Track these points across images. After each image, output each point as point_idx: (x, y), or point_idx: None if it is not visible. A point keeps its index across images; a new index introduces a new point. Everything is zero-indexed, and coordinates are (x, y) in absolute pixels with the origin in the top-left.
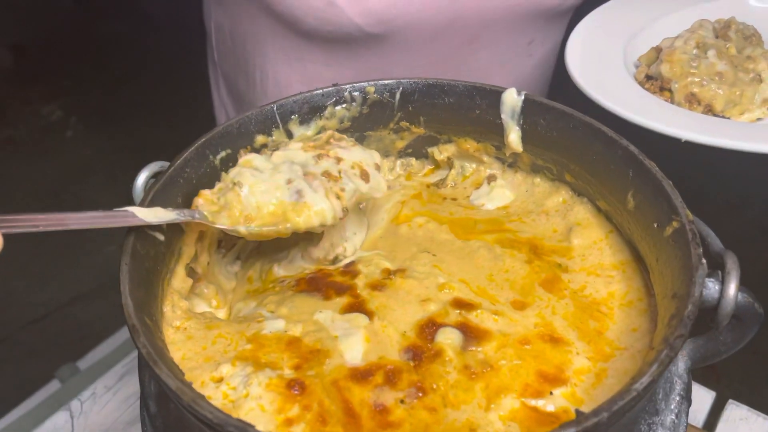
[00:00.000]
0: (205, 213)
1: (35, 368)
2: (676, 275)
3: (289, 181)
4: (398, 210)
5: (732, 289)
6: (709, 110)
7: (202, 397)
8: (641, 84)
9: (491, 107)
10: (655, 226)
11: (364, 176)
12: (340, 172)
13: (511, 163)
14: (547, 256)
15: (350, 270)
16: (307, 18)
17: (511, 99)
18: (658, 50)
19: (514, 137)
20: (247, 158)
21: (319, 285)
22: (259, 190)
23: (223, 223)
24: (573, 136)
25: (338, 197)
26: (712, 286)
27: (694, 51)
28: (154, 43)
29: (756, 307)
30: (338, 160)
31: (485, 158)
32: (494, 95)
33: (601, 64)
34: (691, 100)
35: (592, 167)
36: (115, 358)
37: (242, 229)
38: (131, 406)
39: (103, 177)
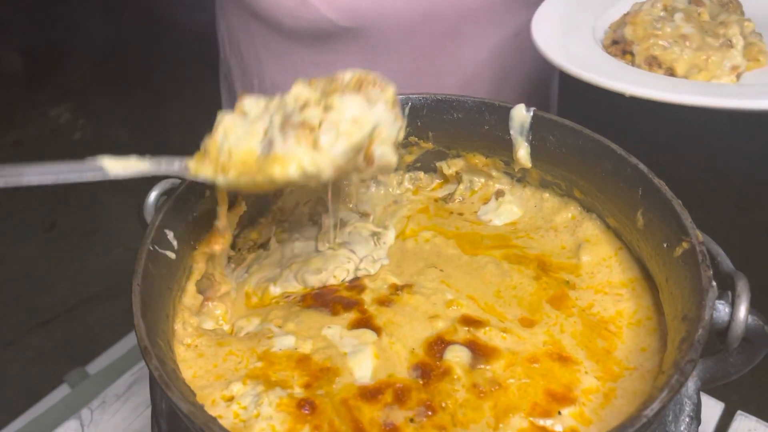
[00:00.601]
0: (188, 164)
1: (44, 372)
2: (686, 297)
3: (265, 131)
4: (404, 225)
5: (742, 312)
6: (671, 74)
7: (214, 419)
8: (605, 48)
9: (500, 123)
10: (665, 245)
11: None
12: (321, 123)
13: (520, 178)
14: (555, 273)
15: (356, 285)
16: (285, 18)
17: (520, 115)
18: (627, 15)
19: (522, 153)
20: (241, 102)
21: (326, 300)
22: (234, 135)
23: (205, 173)
24: (582, 152)
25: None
26: (722, 309)
27: (661, 13)
28: (164, 46)
29: (766, 330)
30: (327, 108)
31: (494, 173)
32: (503, 111)
33: (567, 29)
34: (652, 63)
35: (601, 184)
36: (125, 363)
37: (220, 179)
38: (141, 415)
39: (112, 180)
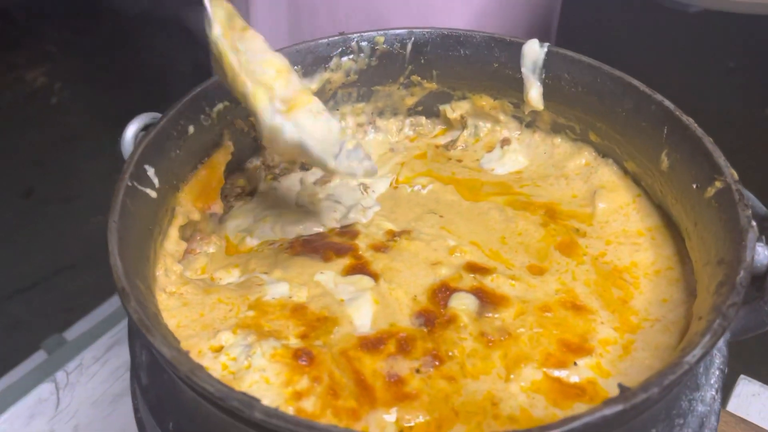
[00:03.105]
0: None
1: (21, 339)
2: (721, 240)
3: None
4: (397, 172)
5: None
6: None
7: (200, 367)
8: None
9: (511, 60)
10: (695, 187)
11: None
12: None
13: (530, 122)
14: (564, 220)
15: (349, 231)
16: None
17: (533, 51)
18: None
19: (534, 93)
20: None
21: (315, 246)
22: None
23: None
24: (601, 91)
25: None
26: (761, 252)
27: None
28: (145, 7)
29: None
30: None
31: (502, 117)
32: (514, 47)
33: None
34: None
35: (621, 125)
36: (104, 330)
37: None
38: (120, 378)
39: (90, 145)
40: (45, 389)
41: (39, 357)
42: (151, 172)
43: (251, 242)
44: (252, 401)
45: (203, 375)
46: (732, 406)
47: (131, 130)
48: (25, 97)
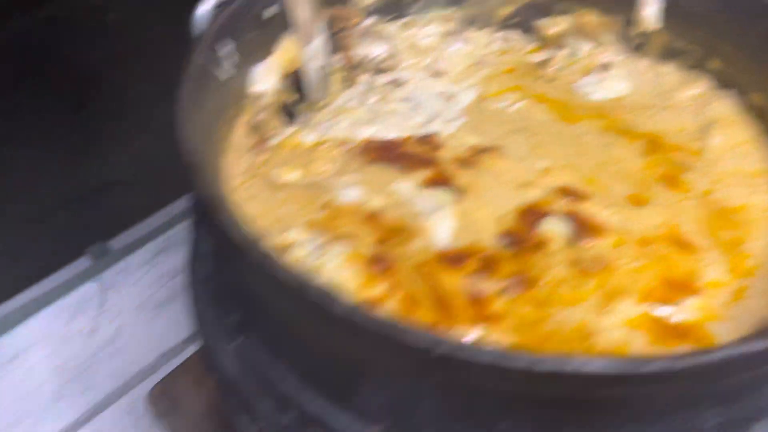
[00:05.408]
0: None
1: (66, 245)
2: None
3: None
4: (484, 85)
5: None
6: None
7: (277, 253)
8: None
9: None
10: None
11: None
12: None
13: (639, 45)
14: (666, 153)
15: (430, 141)
16: None
17: None
18: None
19: (653, 9)
20: None
21: (393, 155)
22: None
23: None
24: (737, 6)
25: None
26: None
27: None
28: None
29: None
30: None
31: (607, 38)
32: None
33: None
34: None
35: (756, 48)
36: (149, 239)
37: None
38: (164, 286)
39: (145, 63)
40: (89, 289)
41: (83, 263)
42: (224, 51)
43: (306, 138)
44: (333, 296)
45: (280, 262)
46: None
47: (206, 5)
48: (82, 12)
